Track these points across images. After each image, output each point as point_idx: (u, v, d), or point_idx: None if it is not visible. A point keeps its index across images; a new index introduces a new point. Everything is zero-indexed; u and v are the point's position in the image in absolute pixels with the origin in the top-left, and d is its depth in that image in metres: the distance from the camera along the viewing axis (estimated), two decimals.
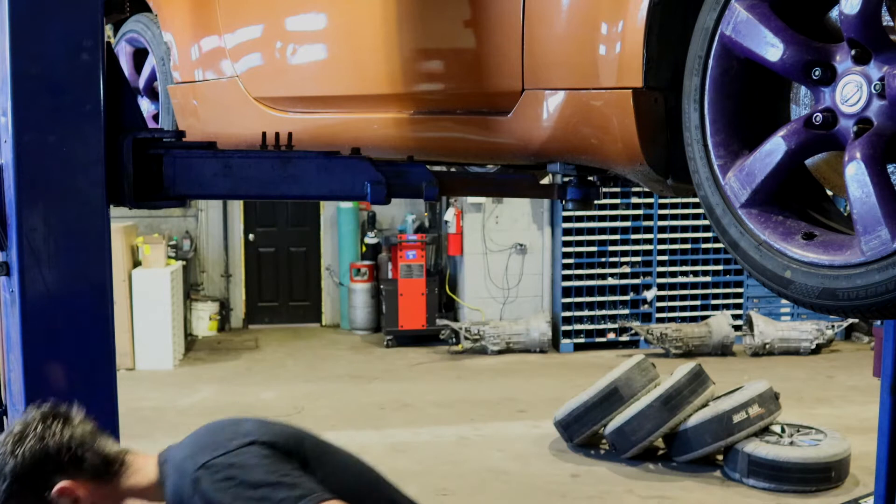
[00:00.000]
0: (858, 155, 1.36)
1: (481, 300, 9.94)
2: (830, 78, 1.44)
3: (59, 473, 1.63)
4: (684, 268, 10.10)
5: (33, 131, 1.90)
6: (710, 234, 9.79)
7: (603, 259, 9.89)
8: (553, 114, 1.93)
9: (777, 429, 5.86)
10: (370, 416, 7.20)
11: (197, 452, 1.61)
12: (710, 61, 1.58)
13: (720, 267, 10.08)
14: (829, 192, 1.62)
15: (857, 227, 1.38)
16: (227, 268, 10.93)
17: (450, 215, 9.84)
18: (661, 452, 6.12)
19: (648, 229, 9.94)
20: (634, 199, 9.84)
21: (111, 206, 2.02)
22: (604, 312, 9.91)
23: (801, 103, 1.61)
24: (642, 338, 9.43)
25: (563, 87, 1.91)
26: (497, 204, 9.84)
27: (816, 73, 1.44)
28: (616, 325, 9.87)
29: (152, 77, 3.62)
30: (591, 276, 9.88)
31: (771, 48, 1.48)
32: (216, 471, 1.56)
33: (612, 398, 6.02)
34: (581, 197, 2.63)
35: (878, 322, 7.12)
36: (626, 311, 9.97)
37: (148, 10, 3.53)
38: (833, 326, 9.56)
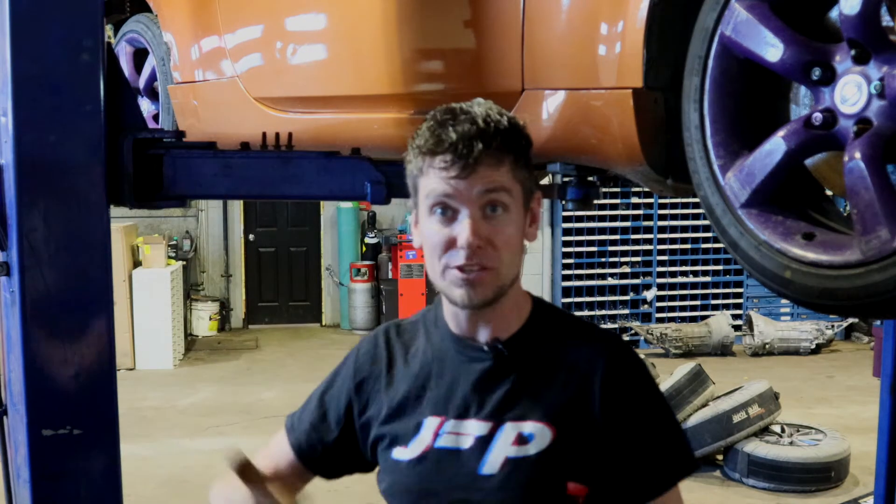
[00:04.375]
0: (858, 155, 1.36)
1: None
2: (830, 78, 1.43)
3: None
4: (684, 268, 10.10)
5: (33, 131, 1.89)
6: (710, 234, 9.79)
7: (603, 259, 9.90)
8: (553, 114, 1.93)
9: (777, 429, 5.85)
10: None
11: None
12: (710, 61, 1.58)
13: (720, 267, 10.08)
14: (829, 192, 1.62)
15: (857, 227, 1.37)
16: (227, 268, 10.93)
17: None
18: None
19: (648, 229, 9.94)
20: (634, 199, 9.85)
21: (111, 206, 2.02)
22: (604, 312, 9.91)
23: (801, 103, 1.61)
24: (642, 338, 9.43)
25: (562, 87, 1.91)
26: None
27: (816, 73, 1.44)
28: (616, 325, 9.87)
29: (152, 77, 3.62)
30: (591, 276, 9.89)
31: (771, 48, 1.48)
32: None
33: None
34: (581, 197, 2.62)
35: (878, 322, 7.12)
36: (626, 311, 9.97)
37: (148, 10, 3.53)
38: (833, 326, 9.56)
